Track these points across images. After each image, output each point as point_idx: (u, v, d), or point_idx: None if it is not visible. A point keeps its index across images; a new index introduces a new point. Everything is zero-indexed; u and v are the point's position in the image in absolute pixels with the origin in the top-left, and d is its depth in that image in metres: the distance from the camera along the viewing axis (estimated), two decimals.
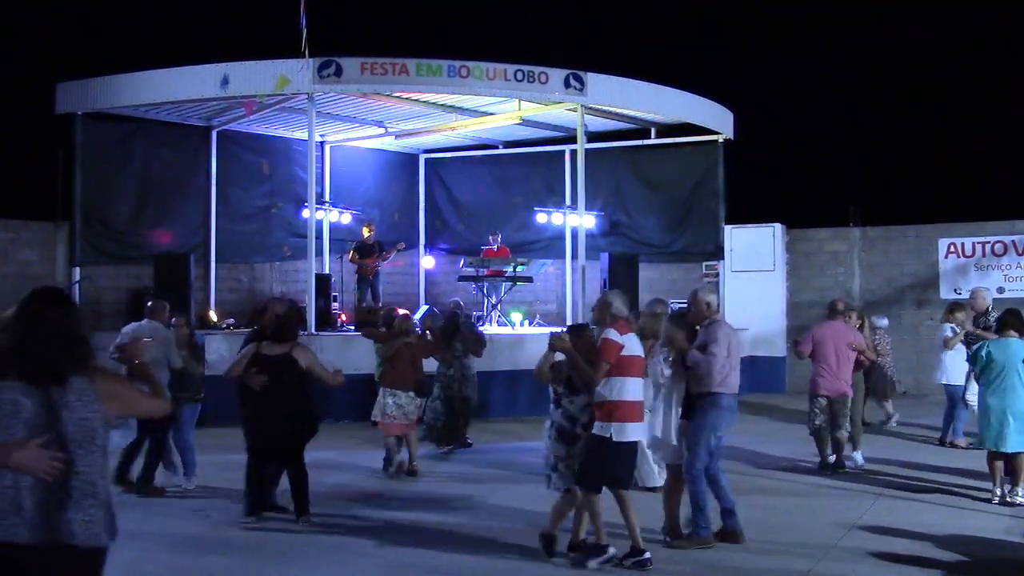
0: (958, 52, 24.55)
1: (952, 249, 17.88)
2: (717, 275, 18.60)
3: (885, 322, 14.66)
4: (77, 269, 16.30)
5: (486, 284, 17.19)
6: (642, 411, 6.85)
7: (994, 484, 8.59)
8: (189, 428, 9.50)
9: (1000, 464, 8.57)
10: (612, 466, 6.61)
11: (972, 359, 8.71)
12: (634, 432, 6.71)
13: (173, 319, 9.75)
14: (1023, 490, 8.51)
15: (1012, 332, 8.53)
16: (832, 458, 10.16)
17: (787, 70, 24.85)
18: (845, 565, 6.75)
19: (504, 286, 17.38)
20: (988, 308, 11.48)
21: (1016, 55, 23.44)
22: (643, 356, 6.92)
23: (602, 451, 6.57)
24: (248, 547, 7.30)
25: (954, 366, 11.60)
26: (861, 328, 11.31)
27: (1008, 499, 8.49)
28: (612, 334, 6.67)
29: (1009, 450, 8.43)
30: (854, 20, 26.33)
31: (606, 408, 6.60)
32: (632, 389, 6.67)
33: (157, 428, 9.13)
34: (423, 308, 18.16)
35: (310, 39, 15.52)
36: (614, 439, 6.53)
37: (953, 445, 11.56)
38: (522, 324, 17.41)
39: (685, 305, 8.07)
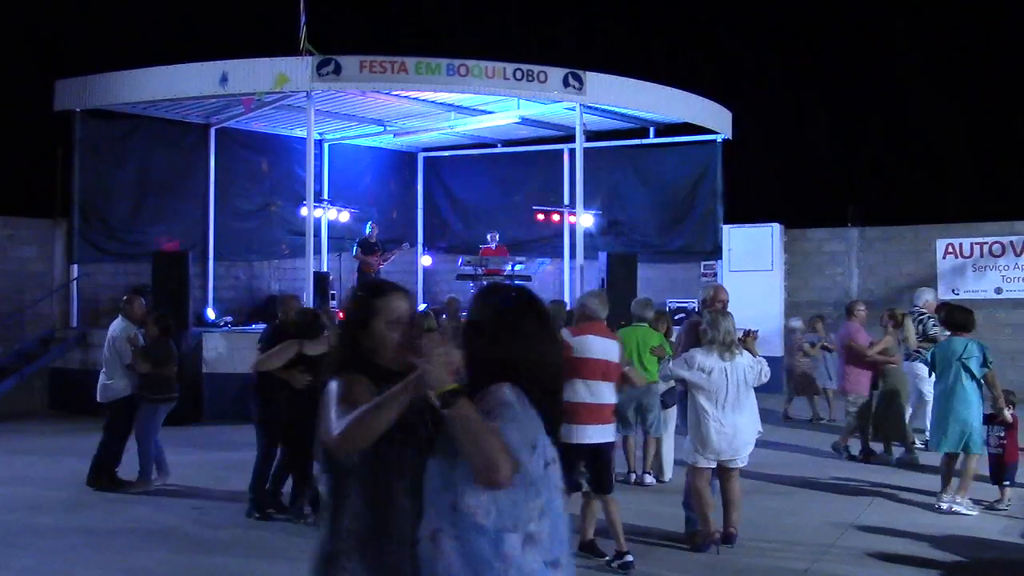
0: (957, 52, 24.57)
1: (950, 250, 17.90)
2: (715, 275, 18.63)
3: (799, 323, 15.23)
4: (75, 266, 16.31)
5: (484, 283, 17.18)
6: (595, 413, 6.61)
7: (952, 487, 8.41)
8: (154, 429, 9.24)
9: (950, 463, 8.41)
10: (571, 469, 6.51)
11: (926, 361, 8.70)
12: (581, 434, 6.54)
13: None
14: (955, 498, 8.21)
15: (958, 331, 8.41)
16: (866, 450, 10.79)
17: (786, 70, 24.88)
18: (842, 565, 6.76)
19: None
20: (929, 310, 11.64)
21: (1014, 56, 23.46)
22: (607, 359, 6.70)
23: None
24: (243, 545, 7.30)
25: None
26: (900, 327, 11.02)
27: (938, 504, 8.25)
28: (564, 334, 6.61)
29: (942, 450, 8.31)
30: (852, 20, 26.34)
31: None
32: (577, 391, 6.52)
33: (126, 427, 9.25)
34: (421, 307, 18.18)
35: (309, 37, 15.53)
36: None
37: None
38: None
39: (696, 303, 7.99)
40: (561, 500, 2.84)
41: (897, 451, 10.74)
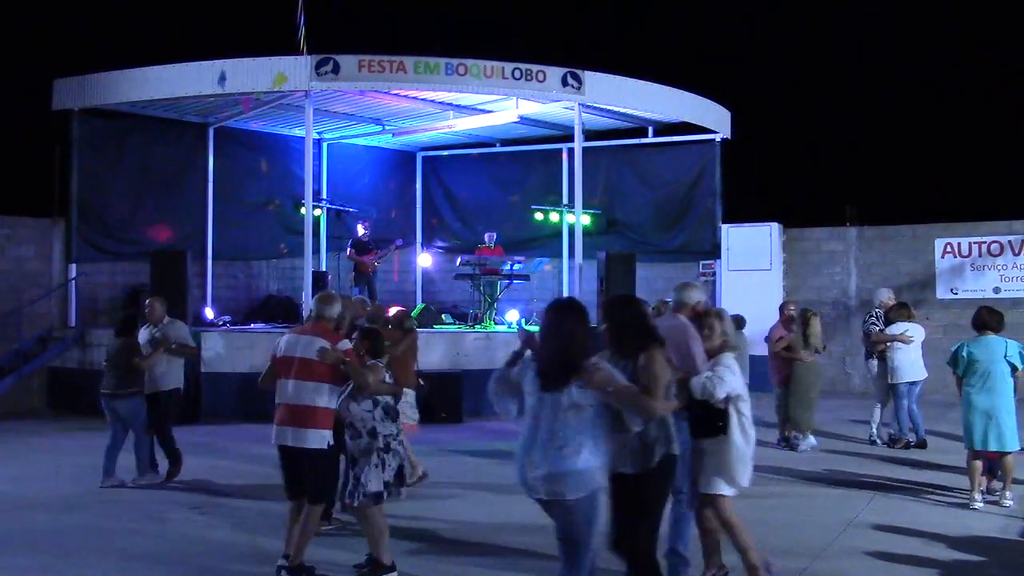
0: (955, 53, 24.59)
1: (948, 249, 17.91)
2: (714, 274, 18.65)
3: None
4: (73, 265, 16.29)
5: (483, 282, 17.17)
6: (282, 414, 6.48)
7: (973, 488, 8.46)
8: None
9: (979, 465, 8.48)
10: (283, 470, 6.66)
11: (952, 360, 8.67)
12: (274, 434, 6.52)
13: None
14: (1011, 492, 8.45)
15: (989, 331, 8.48)
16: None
17: (785, 70, 24.88)
18: (840, 564, 6.75)
19: (500, 284, 17.36)
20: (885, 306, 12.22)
21: (1012, 56, 23.47)
22: (291, 355, 6.51)
23: None
24: (242, 545, 7.29)
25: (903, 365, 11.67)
26: (808, 325, 11.76)
27: (998, 501, 8.44)
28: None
29: (993, 449, 8.35)
30: (851, 20, 26.36)
31: None
32: (278, 389, 6.57)
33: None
34: (420, 306, 18.19)
35: (308, 36, 15.54)
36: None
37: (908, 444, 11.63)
38: (518, 323, 17.38)
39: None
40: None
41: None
